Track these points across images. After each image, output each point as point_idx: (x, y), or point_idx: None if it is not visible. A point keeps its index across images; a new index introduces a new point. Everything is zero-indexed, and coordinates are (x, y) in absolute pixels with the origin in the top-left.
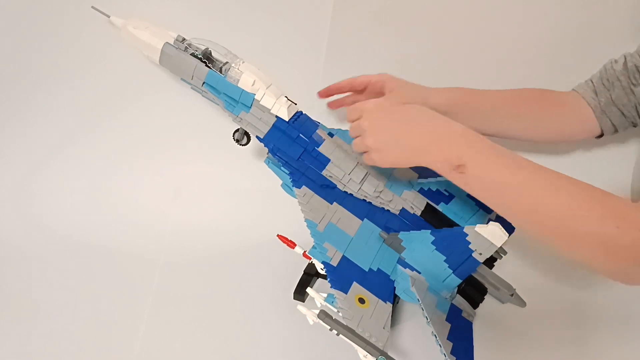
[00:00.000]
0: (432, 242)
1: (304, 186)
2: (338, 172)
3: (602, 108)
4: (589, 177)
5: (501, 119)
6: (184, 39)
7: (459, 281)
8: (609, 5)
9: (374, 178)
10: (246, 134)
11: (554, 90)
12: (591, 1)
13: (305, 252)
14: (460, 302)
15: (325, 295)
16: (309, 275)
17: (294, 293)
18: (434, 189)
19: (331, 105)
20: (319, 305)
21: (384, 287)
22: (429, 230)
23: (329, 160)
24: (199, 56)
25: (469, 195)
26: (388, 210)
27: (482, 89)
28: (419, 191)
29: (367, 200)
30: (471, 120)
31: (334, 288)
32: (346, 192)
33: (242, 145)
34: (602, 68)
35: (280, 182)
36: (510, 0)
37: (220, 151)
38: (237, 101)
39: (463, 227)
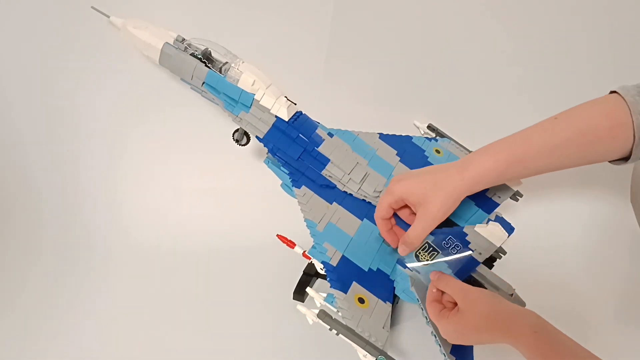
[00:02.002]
0: (432, 242)
1: (303, 186)
2: (338, 172)
3: None
4: (589, 177)
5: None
6: (183, 39)
7: None
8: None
9: (373, 178)
10: (246, 134)
11: (612, 118)
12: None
13: (304, 252)
14: None
15: (324, 295)
16: (309, 275)
17: (294, 293)
18: None
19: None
20: (318, 305)
21: (383, 287)
22: None
23: (328, 160)
24: (199, 56)
25: (468, 195)
26: None
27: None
28: None
29: (367, 200)
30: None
31: (334, 288)
32: (346, 192)
33: (242, 145)
34: None
35: (280, 182)
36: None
37: (220, 151)
38: (236, 101)
39: (463, 227)
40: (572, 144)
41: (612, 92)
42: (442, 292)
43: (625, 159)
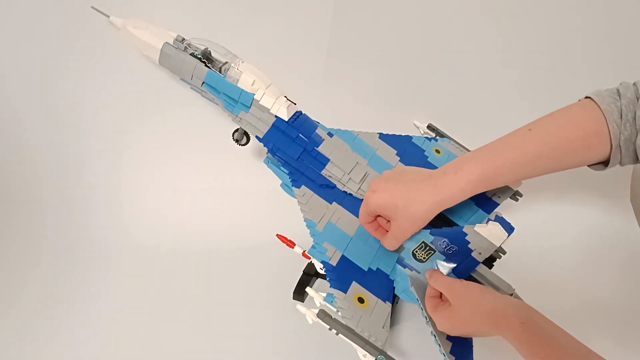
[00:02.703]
0: (431, 242)
1: (303, 186)
2: (337, 171)
3: (620, 143)
4: (588, 177)
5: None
6: (183, 39)
7: None
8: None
9: (373, 178)
10: (245, 133)
11: (587, 128)
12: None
13: (304, 251)
14: None
15: (324, 294)
16: (309, 275)
17: (294, 293)
18: None
19: None
20: (318, 305)
21: (383, 287)
22: (428, 230)
23: (328, 160)
24: (199, 56)
25: None
26: None
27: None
28: None
29: None
30: None
31: (333, 287)
32: (345, 192)
33: (242, 145)
34: (636, 88)
35: (280, 182)
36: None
37: (220, 151)
38: (236, 101)
39: (462, 227)
40: (545, 157)
41: (587, 97)
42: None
43: (604, 163)
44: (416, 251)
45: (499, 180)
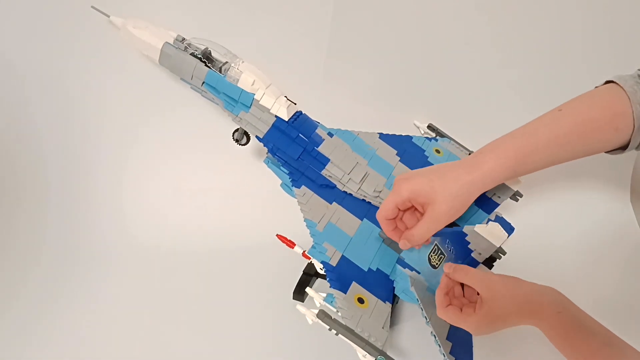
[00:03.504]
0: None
1: (303, 186)
2: (337, 172)
3: None
4: (589, 177)
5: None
6: (183, 39)
7: None
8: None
9: (373, 178)
10: (245, 133)
11: (613, 108)
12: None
13: (304, 251)
14: None
15: (324, 295)
16: (308, 275)
17: (293, 293)
18: None
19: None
20: (318, 305)
21: (383, 287)
22: None
23: (328, 160)
24: (199, 56)
25: None
26: None
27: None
28: None
29: (367, 200)
30: None
31: (333, 288)
32: (345, 192)
33: (242, 145)
34: None
35: (280, 181)
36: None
37: (220, 151)
38: (236, 101)
39: (462, 227)
40: (575, 136)
41: (608, 81)
42: (449, 290)
43: (623, 148)
44: (431, 255)
45: (532, 160)
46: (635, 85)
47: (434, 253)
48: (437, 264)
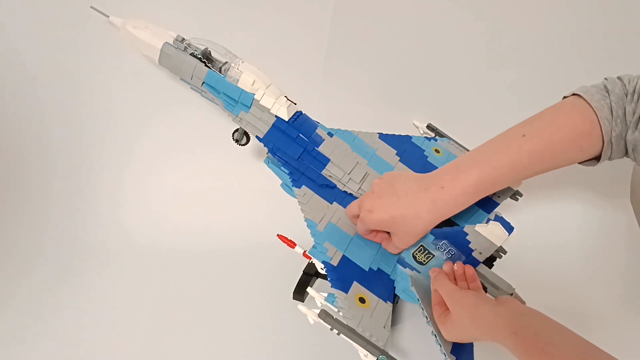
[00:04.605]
0: (432, 242)
1: (303, 186)
2: (338, 171)
3: (612, 140)
4: (588, 178)
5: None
6: (183, 39)
7: None
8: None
9: (373, 178)
10: (245, 133)
11: (578, 128)
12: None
13: (305, 251)
14: None
15: (325, 294)
16: (309, 275)
17: (294, 293)
18: None
19: None
20: (319, 305)
21: (384, 287)
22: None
23: (328, 160)
24: (199, 56)
25: None
26: None
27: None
28: None
29: None
30: None
31: (335, 288)
32: (346, 192)
33: (242, 145)
34: (622, 83)
35: (280, 182)
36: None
37: (220, 151)
38: (236, 101)
39: (463, 227)
40: (539, 160)
41: (574, 93)
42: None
43: (596, 158)
44: (416, 254)
45: (495, 187)
46: (602, 100)
47: (419, 252)
48: (424, 261)
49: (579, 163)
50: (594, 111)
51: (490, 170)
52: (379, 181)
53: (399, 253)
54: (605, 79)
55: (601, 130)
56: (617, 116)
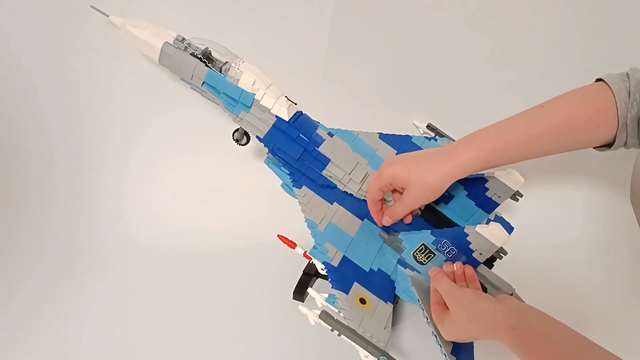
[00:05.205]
0: (432, 242)
1: (304, 186)
2: (338, 172)
3: (627, 122)
4: (588, 177)
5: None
6: (183, 39)
7: None
8: None
9: None
10: (246, 133)
11: (595, 105)
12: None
13: (305, 252)
14: None
15: (326, 295)
16: (308, 275)
17: (294, 293)
18: None
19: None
20: (319, 306)
21: (384, 288)
22: (429, 231)
23: (329, 160)
24: (199, 56)
25: (468, 195)
26: None
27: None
28: None
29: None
30: None
31: (335, 288)
32: (346, 192)
33: (242, 145)
34: None
35: (280, 182)
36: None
37: (220, 151)
38: (237, 101)
39: (463, 227)
40: (554, 132)
41: (597, 79)
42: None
43: (609, 145)
44: (416, 253)
45: (508, 153)
46: (622, 83)
47: (419, 251)
48: (424, 261)
49: (594, 148)
50: (612, 92)
51: (505, 135)
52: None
53: (399, 250)
54: (630, 68)
55: (617, 110)
56: (634, 99)
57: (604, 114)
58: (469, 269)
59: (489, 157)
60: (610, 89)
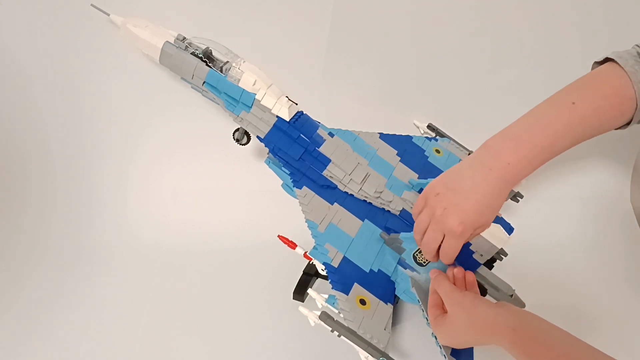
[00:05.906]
0: None
1: (304, 187)
2: (339, 172)
3: None
4: (588, 177)
5: None
6: (184, 38)
7: None
8: None
9: (374, 179)
10: (246, 133)
11: (619, 96)
12: None
13: (306, 252)
14: None
15: (326, 296)
16: (308, 276)
17: (294, 293)
18: None
19: None
20: (319, 307)
21: (384, 288)
22: None
23: (329, 160)
24: (200, 55)
25: None
26: (389, 211)
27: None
28: (419, 191)
29: (368, 201)
30: None
31: (335, 289)
32: (347, 193)
33: (242, 145)
34: None
35: (281, 182)
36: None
37: (220, 151)
38: (237, 101)
39: None
40: (588, 124)
41: (607, 58)
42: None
43: (626, 124)
44: (416, 254)
45: (553, 154)
46: (636, 65)
47: (419, 253)
48: (424, 262)
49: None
50: (628, 76)
51: (547, 141)
52: (437, 185)
53: (399, 251)
54: (637, 45)
55: (635, 93)
56: None
57: (628, 101)
58: (469, 275)
59: (537, 166)
60: (626, 72)
